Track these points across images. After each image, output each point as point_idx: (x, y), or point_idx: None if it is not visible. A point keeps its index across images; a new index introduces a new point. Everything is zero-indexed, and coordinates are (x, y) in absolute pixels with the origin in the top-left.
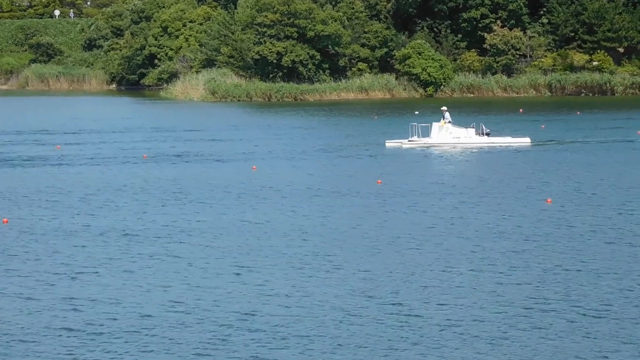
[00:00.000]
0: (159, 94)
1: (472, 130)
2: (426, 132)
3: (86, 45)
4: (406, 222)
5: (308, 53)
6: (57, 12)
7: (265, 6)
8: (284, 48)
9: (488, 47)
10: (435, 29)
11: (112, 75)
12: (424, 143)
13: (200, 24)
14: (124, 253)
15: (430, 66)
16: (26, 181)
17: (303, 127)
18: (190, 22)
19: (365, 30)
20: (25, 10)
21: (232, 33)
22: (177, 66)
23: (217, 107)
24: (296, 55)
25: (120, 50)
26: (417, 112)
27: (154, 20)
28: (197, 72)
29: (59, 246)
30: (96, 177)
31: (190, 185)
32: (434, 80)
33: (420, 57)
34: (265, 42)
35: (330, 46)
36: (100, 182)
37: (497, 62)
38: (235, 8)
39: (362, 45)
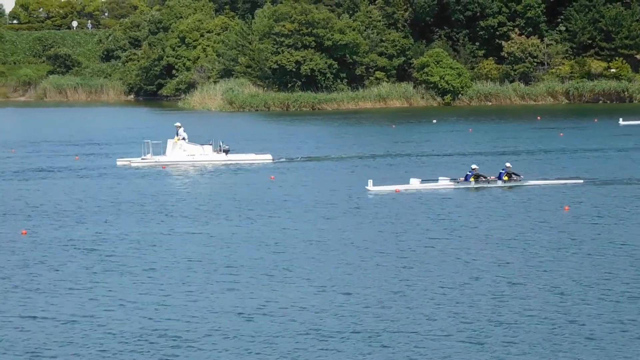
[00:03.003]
0: (176, 104)
1: (209, 147)
2: (160, 150)
3: (104, 56)
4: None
5: (326, 62)
6: (74, 24)
7: (282, 16)
8: (302, 57)
9: (505, 55)
10: (452, 38)
11: (130, 86)
12: (156, 161)
13: (218, 34)
14: (143, 262)
15: (448, 74)
16: (45, 192)
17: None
18: (208, 32)
19: (383, 39)
20: (43, 22)
21: (250, 43)
22: (195, 76)
23: (235, 117)
24: (314, 65)
25: (138, 61)
26: (435, 121)
27: (172, 31)
28: (214, 82)
29: (78, 256)
30: (115, 188)
31: (208, 195)
32: (451, 88)
33: (438, 65)
34: (283, 51)
35: (347, 55)
36: (120, 192)
37: (515, 70)
38: (253, 18)
39: (380, 54)
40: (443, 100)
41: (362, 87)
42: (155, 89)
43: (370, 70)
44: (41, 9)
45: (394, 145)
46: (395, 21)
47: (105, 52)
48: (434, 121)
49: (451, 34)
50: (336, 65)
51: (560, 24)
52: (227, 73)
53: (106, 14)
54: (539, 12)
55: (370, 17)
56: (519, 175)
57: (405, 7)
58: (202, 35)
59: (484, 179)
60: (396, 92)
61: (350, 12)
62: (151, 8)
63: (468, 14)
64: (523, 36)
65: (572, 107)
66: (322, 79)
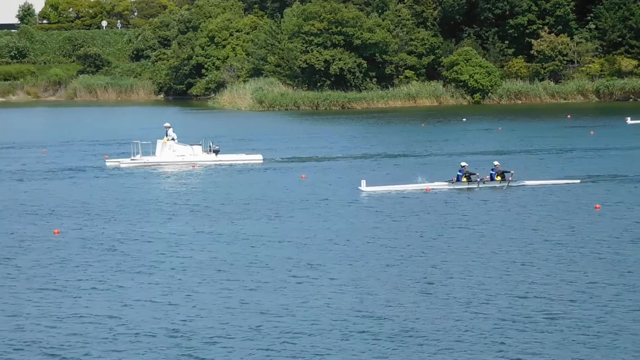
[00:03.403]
0: (206, 103)
1: (198, 148)
2: (150, 150)
3: (133, 55)
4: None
5: (355, 61)
6: (104, 23)
7: (312, 15)
8: (331, 56)
9: (535, 53)
10: (482, 36)
11: (160, 85)
12: (145, 162)
13: (247, 33)
14: (175, 260)
15: (478, 73)
16: (76, 192)
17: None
18: (237, 31)
19: (412, 37)
20: (72, 22)
21: (279, 42)
22: (225, 76)
23: (265, 116)
24: (344, 64)
25: (168, 60)
26: (464, 119)
27: (201, 30)
28: (244, 81)
29: (109, 255)
30: (145, 187)
31: (241, 194)
32: (481, 87)
33: (467, 64)
34: (312, 50)
35: (377, 54)
36: (151, 191)
37: (545, 69)
38: (282, 17)
39: (409, 53)
40: (472, 98)
41: (391, 86)
42: (185, 88)
43: (399, 69)
44: (71, 9)
45: (424, 144)
46: (425, 20)
47: (135, 52)
48: (464, 120)
49: (480, 32)
50: (365, 64)
51: (590, 22)
52: (256, 72)
53: (135, 14)
54: (569, 10)
55: (400, 16)
56: (510, 171)
57: (434, 5)
58: (231, 35)
59: (476, 177)
60: (426, 91)
61: (380, 11)
62: (180, 7)
63: (497, 12)
64: (552, 34)
65: (602, 105)
66: (351, 77)
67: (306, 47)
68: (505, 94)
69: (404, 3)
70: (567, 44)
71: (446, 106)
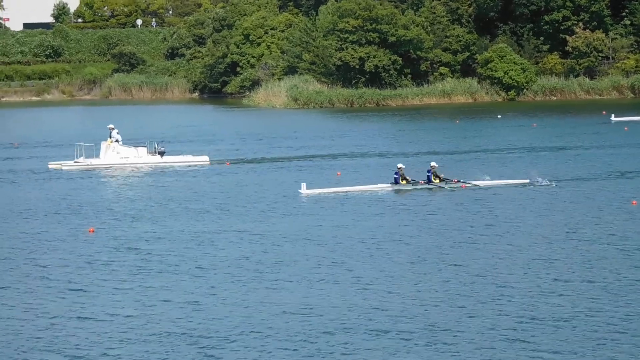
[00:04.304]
0: (241, 101)
1: (143, 150)
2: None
3: (168, 54)
4: None
5: (390, 58)
6: (139, 22)
7: (346, 12)
8: (366, 54)
9: (570, 49)
10: (517, 32)
11: (195, 83)
12: (88, 164)
13: (282, 31)
14: (212, 258)
15: (512, 70)
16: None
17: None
18: (272, 29)
19: (447, 34)
20: (107, 20)
21: (314, 39)
22: (259, 73)
23: (300, 114)
24: (378, 61)
25: (202, 58)
26: (499, 116)
27: (236, 28)
28: (279, 79)
29: (145, 254)
30: (181, 185)
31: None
32: (516, 83)
33: (502, 60)
34: (347, 48)
35: (412, 51)
36: (186, 189)
37: (580, 65)
38: (317, 14)
39: (444, 50)
40: (507, 95)
41: (426, 83)
42: (220, 86)
43: (434, 65)
44: (105, 8)
45: (460, 141)
46: (460, 16)
47: (170, 50)
48: (499, 117)
49: (515, 28)
50: (400, 61)
51: (625, 18)
52: (291, 70)
53: (170, 12)
54: (603, 5)
55: (434, 13)
56: (440, 176)
57: (469, 2)
58: (266, 33)
59: (412, 182)
60: (460, 88)
61: (414, 8)
62: (215, 6)
63: (532, 8)
64: (588, 30)
65: (637, 101)
66: (386, 75)
67: (341, 45)
68: (540, 90)
69: (439, 0)
70: (602, 40)
71: (481, 103)
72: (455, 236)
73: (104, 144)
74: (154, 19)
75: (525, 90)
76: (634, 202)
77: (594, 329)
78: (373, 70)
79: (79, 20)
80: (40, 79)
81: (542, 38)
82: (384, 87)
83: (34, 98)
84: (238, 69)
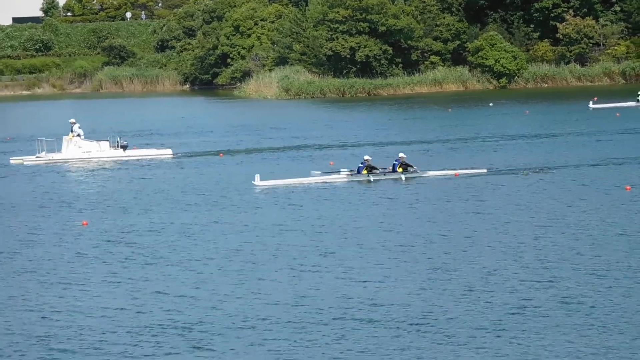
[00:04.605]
0: (232, 93)
1: (105, 144)
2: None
3: (158, 46)
4: None
5: (380, 48)
6: (128, 15)
7: (336, 2)
8: (356, 43)
9: (561, 36)
10: (507, 20)
11: (185, 75)
12: (50, 159)
13: (272, 22)
14: (204, 251)
15: (503, 57)
16: (103, 184)
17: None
18: (262, 20)
19: (437, 23)
20: (96, 14)
21: (304, 30)
22: (250, 65)
23: (292, 104)
24: (369, 51)
25: (193, 50)
26: (491, 104)
27: (226, 20)
28: (270, 70)
29: (138, 247)
30: (173, 178)
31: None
32: (507, 71)
33: (492, 48)
34: (337, 38)
35: (402, 40)
36: (179, 182)
37: (570, 52)
38: (307, 5)
39: (435, 39)
40: (499, 83)
41: (417, 72)
42: (211, 78)
43: (425, 54)
44: (95, 1)
45: (452, 129)
46: (450, 5)
47: (160, 43)
48: (490, 104)
49: (505, 16)
50: (391, 51)
51: (615, 4)
52: (282, 61)
53: (160, 5)
54: None
55: (424, 2)
56: (413, 167)
57: None
58: (256, 24)
59: (377, 171)
60: (452, 76)
61: None
62: None
63: None
64: (578, 17)
65: (629, 87)
66: (377, 64)
67: (331, 35)
68: (531, 77)
69: None
70: (593, 27)
71: (472, 91)
72: (440, 225)
73: (65, 139)
74: (143, 12)
75: (516, 77)
76: (627, 187)
77: (584, 316)
78: (364, 60)
79: (69, 13)
80: (30, 73)
81: (532, 25)
82: (375, 76)
83: (25, 92)
84: (229, 60)
